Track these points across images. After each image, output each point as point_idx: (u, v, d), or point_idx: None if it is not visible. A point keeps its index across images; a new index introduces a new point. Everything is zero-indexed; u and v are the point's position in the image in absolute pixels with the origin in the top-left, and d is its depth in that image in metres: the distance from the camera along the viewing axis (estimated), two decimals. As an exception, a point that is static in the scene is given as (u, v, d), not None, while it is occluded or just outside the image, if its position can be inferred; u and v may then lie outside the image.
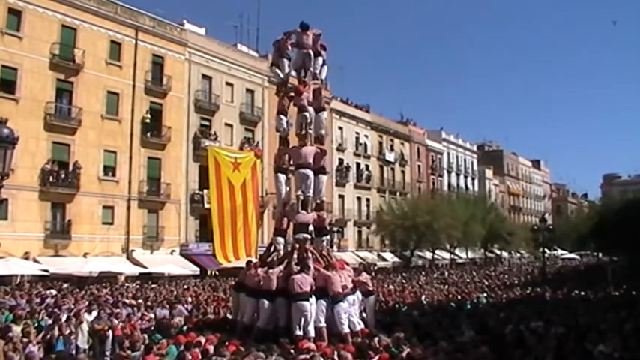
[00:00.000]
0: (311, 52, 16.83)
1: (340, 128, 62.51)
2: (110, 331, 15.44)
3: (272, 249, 15.75)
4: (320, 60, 17.09)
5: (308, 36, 16.84)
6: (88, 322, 16.01)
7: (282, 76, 17.40)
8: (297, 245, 15.01)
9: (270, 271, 14.13)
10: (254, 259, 16.69)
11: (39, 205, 35.77)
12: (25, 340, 13.12)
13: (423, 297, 27.40)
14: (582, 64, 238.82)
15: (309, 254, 14.48)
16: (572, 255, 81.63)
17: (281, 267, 14.38)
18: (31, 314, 17.11)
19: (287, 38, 17.30)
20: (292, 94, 17.02)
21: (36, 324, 15.90)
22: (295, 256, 14.58)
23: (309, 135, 16.25)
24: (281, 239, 15.85)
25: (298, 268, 13.90)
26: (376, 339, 12.18)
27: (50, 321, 16.02)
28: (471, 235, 62.48)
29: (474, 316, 17.81)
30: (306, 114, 16.23)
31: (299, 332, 12.90)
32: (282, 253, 15.52)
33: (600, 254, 67.97)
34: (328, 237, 16.82)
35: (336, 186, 59.30)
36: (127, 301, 22.77)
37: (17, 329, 13.88)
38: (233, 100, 49.65)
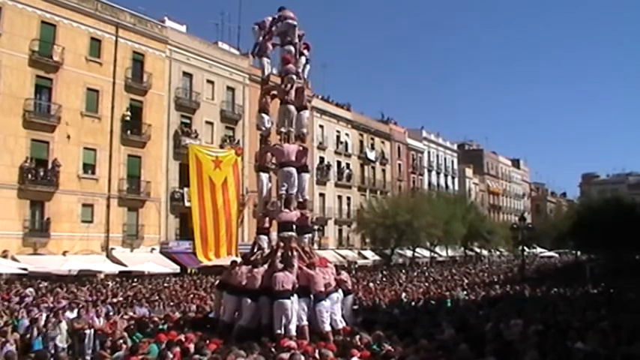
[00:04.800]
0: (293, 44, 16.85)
1: (321, 126, 62.46)
2: (90, 330, 15.35)
3: (256, 247, 15.71)
4: (303, 59, 17.12)
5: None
6: (68, 321, 15.89)
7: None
8: (281, 243, 15.00)
9: (255, 270, 14.10)
10: (237, 259, 16.62)
11: (17, 203, 35.44)
12: (2, 339, 13.02)
13: (404, 295, 27.48)
14: (562, 63, 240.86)
15: (294, 252, 14.48)
16: (551, 253, 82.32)
17: (266, 266, 14.36)
18: (10, 313, 16.99)
19: (268, 38, 17.31)
20: (274, 92, 17.04)
21: (14, 323, 15.81)
22: (279, 254, 14.58)
23: (291, 132, 16.29)
24: (265, 237, 15.83)
25: (282, 266, 13.90)
26: (357, 337, 12.22)
27: (28, 320, 15.91)
28: (452, 234, 62.80)
29: (454, 314, 17.88)
30: (293, 76, 16.33)
31: (280, 330, 12.90)
32: (266, 251, 15.49)
33: (579, 252, 68.57)
34: (310, 235, 16.85)
35: (316, 184, 59.24)
36: (107, 299, 22.69)
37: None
38: (214, 98, 49.49)
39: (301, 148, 16.07)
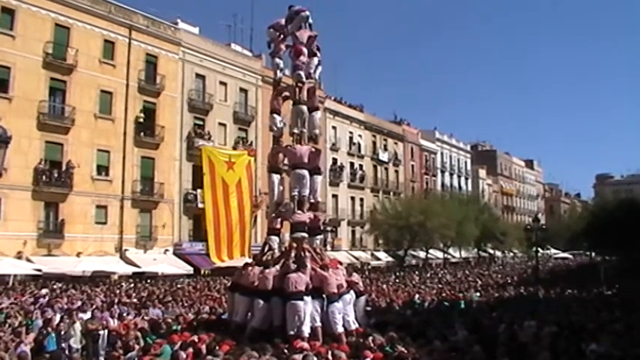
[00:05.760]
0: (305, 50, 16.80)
1: (334, 128, 62.50)
2: (104, 331, 15.39)
3: (267, 248, 15.71)
4: (315, 60, 17.08)
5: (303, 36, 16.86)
6: (82, 322, 15.95)
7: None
8: (294, 244, 14.99)
9: (267, 270, 14.07)
10: (250, 260, 16.63)
11: (32, 204, 35.67)
12: (16, 340, 13.08)
13: (417, 296, 27.39)
14: (575, 63, 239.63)
15: (307, 253, 14.46)
16: (565, 254, 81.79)
17: (277, 267, 14.34)
18: (24, 314, 17.06)
19: (282, 39, 17.32)
20: (286, 93, 17.04)
21: (29, 323, 15.88)
22: (292, 255, 14.56)
23: (304, 133, 16.26)
24: (276, 238, 15.80)
25: (295, 267, 13.88)
26: (370, 338, 12.18)
27: (41, 321, 15.98)
28: (465, 235, 62.45)
29: (467, 315, 17.82)
30: (302, 72, 16.36)
31: (293, 332, 12.88)
32: (277, 252, 15.48)
33: (593, 254, 68.12)
34: (322, 237, 16.82)
35: (329, 185, 59.29)
36: (122, 300, 22.79)
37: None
38: (227, 100, 49.60)
39: (314, 149, 16.02)
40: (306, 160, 15.60)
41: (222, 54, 49.92)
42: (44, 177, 36.18)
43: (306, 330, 13.03)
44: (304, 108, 16.23)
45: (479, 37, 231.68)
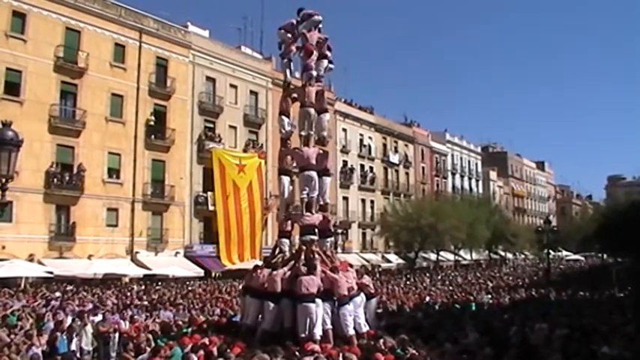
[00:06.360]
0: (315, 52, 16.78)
1: (344, 130, 62.50)
2: (116, 334, 15.44)
3: (277, 251, 15.70)
4: (325, 62, 17.06)
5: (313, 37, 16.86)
6: (93, 324, 16.00)
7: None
8: (304, 247, 14.97)
9: (275, 272, 14.06)
10: (260, 263, 16.62)
11: (43, 207, 35.82)
12: (28, 342, 13.12)
13: (427, 299, 27.31)
14: (587, 64, 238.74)
15: (317, 256, 14.44)
16: (577, 256, 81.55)
17: (285, 269, 14.32)
18: (36, 317, 17.13)
19: (292, 41, 17.31)
20: (295, 95, 17.03)
21: (41, 325, 15.93)
22: (302, 257, 14.53)
23: (311, 136, 16.24)
24: (286, 241, 15.79)
25: (306, 269, 13.86)
26: (381, 341, 12.16)
27: (53, 323, 16.04)
28: (476, 237, 62.30)
29: (478, 317, 17.75)
30: (313, 72, 16.38)
31: (304, 334, 12.86)
32: (287, 254, 15.47)
33: (605, 255, 67.82)
34: (332, 239, 16.80)
35: (340, 188, 59.30)
36: (133, 302, 22.84)
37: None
38: (237, 102, 49.67)
39: (321, 151, 16.02)
40: (313, 162, 15.59)
41: (233, 57, 50.02)
42: (55, 180, 36.34)
43: (318, 332, 12.99)
44: (312, 110, 16.20)
45: (489, 37, 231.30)
